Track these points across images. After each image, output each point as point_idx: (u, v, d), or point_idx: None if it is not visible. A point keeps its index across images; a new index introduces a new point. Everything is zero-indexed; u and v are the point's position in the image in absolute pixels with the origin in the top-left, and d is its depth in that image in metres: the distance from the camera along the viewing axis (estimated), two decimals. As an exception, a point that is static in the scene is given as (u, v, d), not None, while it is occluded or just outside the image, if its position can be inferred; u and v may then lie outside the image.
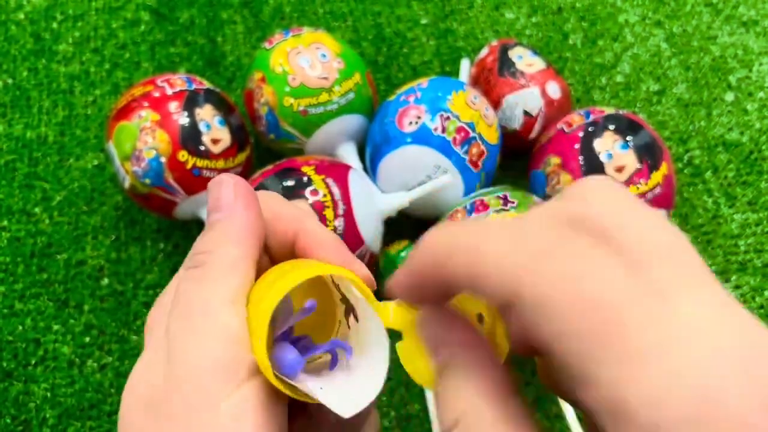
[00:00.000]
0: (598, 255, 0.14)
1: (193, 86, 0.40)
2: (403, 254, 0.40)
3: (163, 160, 0.37)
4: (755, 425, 0.11)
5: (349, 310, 0.19)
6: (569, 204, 0.15)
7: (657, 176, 0.37)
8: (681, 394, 0.12)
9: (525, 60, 0.43)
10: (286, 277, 0.17)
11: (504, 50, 0.44)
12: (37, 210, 0.45)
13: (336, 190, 0.36)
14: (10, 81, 0.50)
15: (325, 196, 0.35)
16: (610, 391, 0.12)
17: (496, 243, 0.15)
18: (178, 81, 0.40)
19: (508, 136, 0.43)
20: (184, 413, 0.16)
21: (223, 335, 0.17)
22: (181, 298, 0.18)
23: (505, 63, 0.43)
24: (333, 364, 0.19)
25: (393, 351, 0.18)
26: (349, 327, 0.19)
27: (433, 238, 0.16)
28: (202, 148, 0.38)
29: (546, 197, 0.39)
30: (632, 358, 0.12)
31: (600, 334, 0.13)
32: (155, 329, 0.18)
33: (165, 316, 0.18)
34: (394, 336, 0.18)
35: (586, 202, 0.15)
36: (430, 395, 0.38)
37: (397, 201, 0.38)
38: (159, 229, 0.44)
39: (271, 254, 0.20)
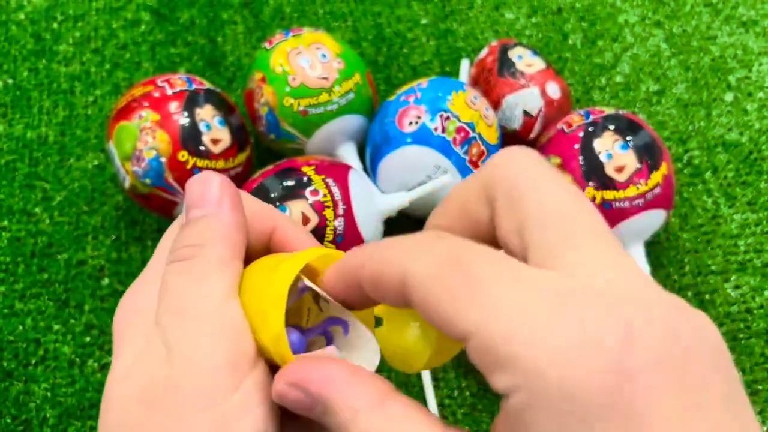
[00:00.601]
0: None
1: (194, 86, 0.40)
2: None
3: (163, 160, 0.37)
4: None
5: (318, 295, 0.19)
6: (488, 170, 0.18)
7: (657, 176, 0.37)
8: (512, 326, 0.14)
9: (525, 60, 0.43)
10: (288, 262, 0.18)
11: (504, 50, 0.44)
12: (37, 210, 0.45)
13: (336, 190, 0.36)
14: (10, 81, 0.50)
15: (325, 196, 0.35)
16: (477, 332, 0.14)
17: (394, 250, 0.17)
18: (179, 81, 0.40)
19: (508, 136, 0.43)
20: (193, 407, 0.16)
21: (228, 330, 0.17)
22: (173, 292, 0.18)
23: (504, 63, 0.43)
24: (329, 342, 0.19)
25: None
26: (321, 309, 0.20)
27: (354, 251, 0.18)
28: (203, 148, 0.38)
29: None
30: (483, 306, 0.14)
31: (455, 289, 0.15)
32: (135, 321, 0.19)
33: (145, 307, 0.18)
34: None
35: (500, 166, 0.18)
36: (430, 395, 0.38)
37: (397, 201, 0.38)
38: (159, 229, 0.44)
39: (247, 250, 0.21)
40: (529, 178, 0.17)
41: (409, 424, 0.15)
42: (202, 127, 0.38)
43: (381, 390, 0.16)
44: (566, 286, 0.14)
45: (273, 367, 0.18)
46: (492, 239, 0.18)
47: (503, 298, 0.14)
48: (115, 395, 0.18)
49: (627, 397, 0.13)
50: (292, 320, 0.20)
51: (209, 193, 0.20)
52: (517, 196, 0.17)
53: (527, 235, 0.16)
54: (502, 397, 0.14)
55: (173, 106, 0.38)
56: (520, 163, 0.17)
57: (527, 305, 0.14)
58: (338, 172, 0.37)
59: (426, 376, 0.38)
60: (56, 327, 0.41)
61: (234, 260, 0.19)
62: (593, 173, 0.37)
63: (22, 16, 0.53)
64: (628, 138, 0.38)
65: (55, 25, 0.52)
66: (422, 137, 0.38)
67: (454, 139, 0.38)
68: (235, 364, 0.17)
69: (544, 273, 0.15)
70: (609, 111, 0.40)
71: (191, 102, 0.39)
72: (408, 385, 0.39)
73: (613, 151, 0.37)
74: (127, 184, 0.38)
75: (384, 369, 0.39)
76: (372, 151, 0.40)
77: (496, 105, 0.43)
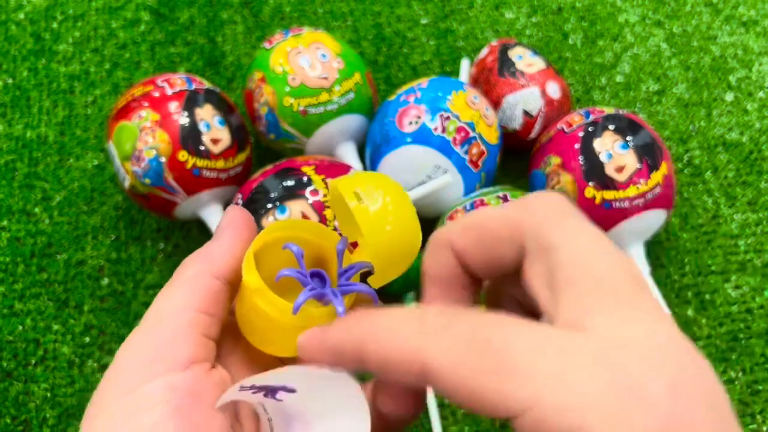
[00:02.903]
0: None
1: (193, 86, 0.40)
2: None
3: (163, 160, 0.37)
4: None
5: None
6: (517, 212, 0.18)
7: (657, 176, 0.37)
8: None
9: (525, 60, 0.43)
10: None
11: (504, 50, 0.44)
12: (37, 210, 0.45)
13: (336, 190, 0.36)
14: (10, 81, 0.50)
15: (325, 196, 0.35)
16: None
17: (403, 333, 0.17)
18: (178, 81, 0.40)
19: (508, 136, 0.43)
20: (111, 395, 0.18)
21: (158, 335, 0.19)
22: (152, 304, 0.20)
23: (505, 63, 0.43)
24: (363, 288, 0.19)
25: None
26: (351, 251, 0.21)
27: (346, 322, 0.18)
28: (202, 148, 0.38)
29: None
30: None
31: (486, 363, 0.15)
32: None
33: None
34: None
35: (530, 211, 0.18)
36: (430, 395, 0.38)
37: (397, 201, 0.38)
38: (159, 229, 0.44)
39: None
40: (561, 230, 0.17)
41: None
42: (201, 126, 0.38)
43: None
44: (604, 347, 0.15)
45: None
46: (505, 272, 0.18)
47: (546, 372, 0.14)
48: None
49: None
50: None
51: (219, 226, 0.21)
52: (547, 247, 0.17)
53: (558, 292, 0.16)
54: None
55: (173, 105, 0.38)
56: (553, 211, 0.17)
57: (571, 375, 0.14)
58: (338, 172, 0.37)
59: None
60: (56, 327, 0.41)
61: (204, 274, 0.20)
62: (593, 173, 0.37)
63: (21, 16, 0.53)
64: (628, 138, 0.38)
65: (54, 25, 0.52)
66: (422, 137, 0.38)
67: (454, 138, 0.38)
68: (150, 361, 0.18)
69: (578, 337, 0.15)
70: (609, 111, 0.40)
71: (191, 102, 0.38)
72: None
73: (613, 151, 0.37)
74: (126, 184, 0.38)
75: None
76: (372, 150, 0.40)
77: (496, 105, 0.43)
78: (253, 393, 0.18)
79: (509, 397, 0.15)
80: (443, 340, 0.16)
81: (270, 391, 0.19)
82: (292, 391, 0.19)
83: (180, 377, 0.18)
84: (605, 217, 0.37)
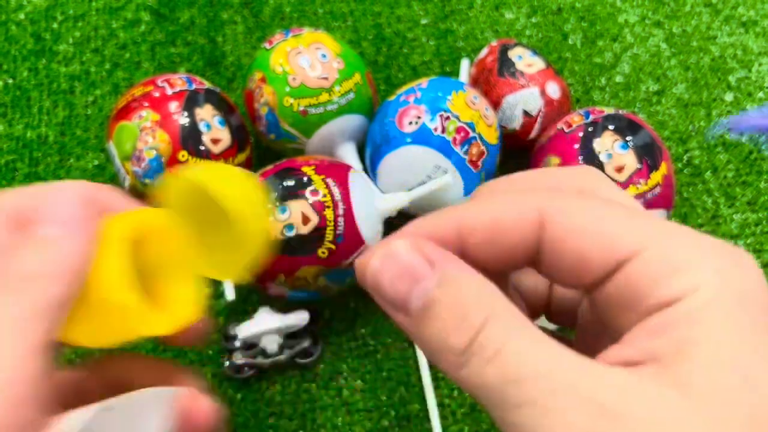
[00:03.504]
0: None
1: (194, 86, 0.40)
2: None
3: (163, 160, 0.37)
4: None
5: None
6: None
7: (657, 176, 0.37)
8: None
9: (525, 60, 0.43)
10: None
11: (504, 50, 0.44)
12: (37, 210, 0.45)
13: (336, 190, 0.36)
14: (10, 81, 0.50)
15: (325, 196, 0.35)
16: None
17: (522, 195, 0.17)
18: (179, 81, 0.40)
19: (507, 136, 0.43)
20: None
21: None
22: None
23: (504, 63, 0.43)
24: None
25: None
26: None
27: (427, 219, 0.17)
28: (202, 148, 0.38)
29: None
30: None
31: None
32: None
33: None
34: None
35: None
36: (430, 395, 0.38)
37: (397, 201, 0.38)
38: (159, 229, 0.44)
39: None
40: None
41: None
42: (202, 127, 0.38)
43: None
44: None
45: None
46: (514, 267, 0.18)
47: (658, 222, 0.15)
48: None
49: None
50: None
51: (62, 206, 0.17)
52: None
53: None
54: (661, 310, 0.15)
55: (173, 105, 0.38)
56: (593, 181, 0.18)
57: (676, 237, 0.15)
58: (338, 172, 0.37)
59: (426, 376, 0.38)
60: (56, 327, 0.41)
61: (69, 302, 0.17)
62: (593, 173, 0.37)
63: (22, 16, 0.53)
64: (627, 138, 0.38)
65: (55, 25, 0.52)
66: (422, 137, 0.38)
67: (454, 139, 0.38)
68: None
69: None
70: (609, 111, 0.40)
71: (191, 102, 0.39)
72: (408, 385, 0.39)
73: (613, 151, 0.37)
74: (127, 184, 0.39)
75: (383, 370, 0.39)
76: (372, 151, 0.40)
77: (496, 105, 0.43)
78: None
79: (630, 234, 0.15)
80: (559, 193, 0.16)
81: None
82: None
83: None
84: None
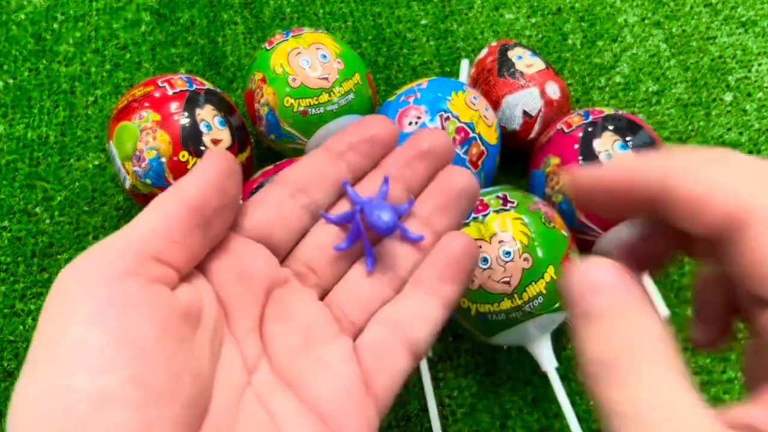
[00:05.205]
0: None
1: (194, 87, 0.40)
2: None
3: (163, 160, 0.37)
4: None
5: None
6: None
7: (656, 176, 0.37)
8: None
9: (524, 60, 0.43)
10: None
11: (503, 51, 0.44)
12: (38, 210, 0.45)
13: (336, 190, 0.36)
14: (11, 81, 0.50)
15: (325, 196, 0.35)
16: None
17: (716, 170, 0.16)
18: (179, 81, 0.40)
19: (507, 136, 0.43)
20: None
21: (103, 254, 0.21)
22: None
23: (504, 63, 0.43)
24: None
25: None
26: None
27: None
28: (203, 148, 0.38)
29: (546, 197, 0.39)
30: None
31: None
32: None
33: None
34: None
35: None
36: (430, 395, 0.38)
37: (397, 201, 0.38)
38: (160, 229, 0.44)
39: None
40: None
41: None
42: (202, 127, 0.38)
43: None
44: None
45: None
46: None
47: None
48: None
49: None
50: None
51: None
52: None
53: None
54: None
55: (174, 106, 0.38)
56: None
57: None
58: (338, 172, 0.37)
59: (426, 376, 0.38)
60: (57, 327, 0.41)
61: (167, 201, 0.21)
62: (593, 173, 0.37)
63: (22, 16, 0.53)
64: (627, 138, 0.38)
65: (55, 26, 0.52)
66: (422, 137, 0.38)
67: (454, 139, 0.38)
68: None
69: None
70: (608, 111, 0.40)
71: (192, 102, 0.39)
72: (408, 385, 0.39)
73: (613, 152, 0.37)
74: (127, 184, 0.39)
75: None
76: (372, 151, 0.41)
77: (495, 105, 0.43)
78: None
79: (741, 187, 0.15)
80: (683, 152, 0.16)
81: None
82: None
83: (104, 289, 0.18)
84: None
